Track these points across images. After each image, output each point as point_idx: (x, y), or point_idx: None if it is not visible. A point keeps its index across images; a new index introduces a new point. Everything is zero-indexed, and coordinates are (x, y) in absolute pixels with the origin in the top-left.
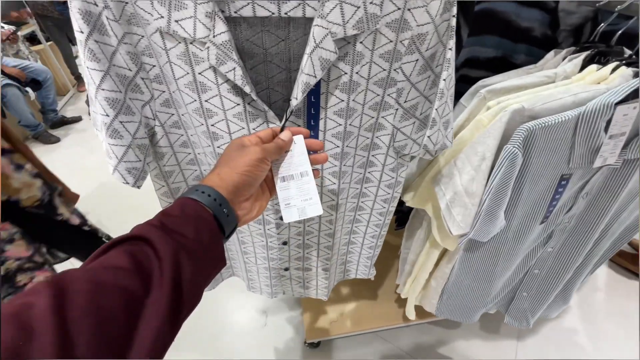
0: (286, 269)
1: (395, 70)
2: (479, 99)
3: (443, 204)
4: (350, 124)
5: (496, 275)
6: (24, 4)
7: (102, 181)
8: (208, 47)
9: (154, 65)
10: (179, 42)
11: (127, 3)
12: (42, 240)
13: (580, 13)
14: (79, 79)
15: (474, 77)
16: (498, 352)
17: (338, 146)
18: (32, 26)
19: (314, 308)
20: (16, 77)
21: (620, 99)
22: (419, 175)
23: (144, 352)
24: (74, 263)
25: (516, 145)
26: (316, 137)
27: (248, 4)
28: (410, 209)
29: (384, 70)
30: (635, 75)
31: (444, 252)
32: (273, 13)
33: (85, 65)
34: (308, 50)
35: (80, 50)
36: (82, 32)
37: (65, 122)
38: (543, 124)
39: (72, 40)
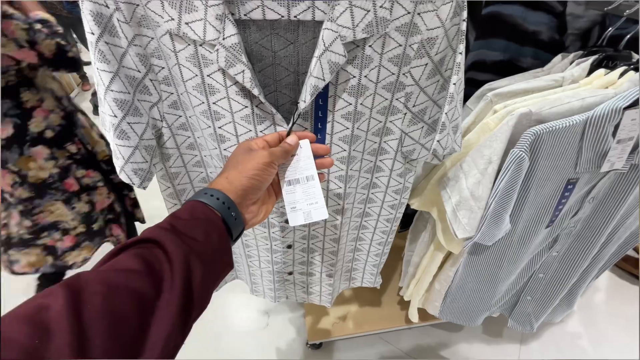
0: (290, 273)
1: (404, 74)
2: (485, 102)
3: (449, 207)
4: (357, 128)
5: (500, 278)
6: None
7: None
8: (217, 50)
9: (163, 67)
10: (189, 44)
11: (138, 5)
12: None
13: (588, 17)
14: (83, 77)
15: (480, 80)
16: (501, 355)
17: (345, 150)
18: None
19: (316, 309)
20: None
21: (628, 103)
22: (424, 178)
23: (156, 353)
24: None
25: (523, 149)
26: (323, 140)
27: (258, 7)
28: (415, 211)
29: (393, 74)
30: None
31: (448, 255)
32: (283, 16)
33: (95, 66)
34: (317, 53)
35: (91, 52)
36: (93, 33)
37: None
38: (550, 128)
39: (78, 39)
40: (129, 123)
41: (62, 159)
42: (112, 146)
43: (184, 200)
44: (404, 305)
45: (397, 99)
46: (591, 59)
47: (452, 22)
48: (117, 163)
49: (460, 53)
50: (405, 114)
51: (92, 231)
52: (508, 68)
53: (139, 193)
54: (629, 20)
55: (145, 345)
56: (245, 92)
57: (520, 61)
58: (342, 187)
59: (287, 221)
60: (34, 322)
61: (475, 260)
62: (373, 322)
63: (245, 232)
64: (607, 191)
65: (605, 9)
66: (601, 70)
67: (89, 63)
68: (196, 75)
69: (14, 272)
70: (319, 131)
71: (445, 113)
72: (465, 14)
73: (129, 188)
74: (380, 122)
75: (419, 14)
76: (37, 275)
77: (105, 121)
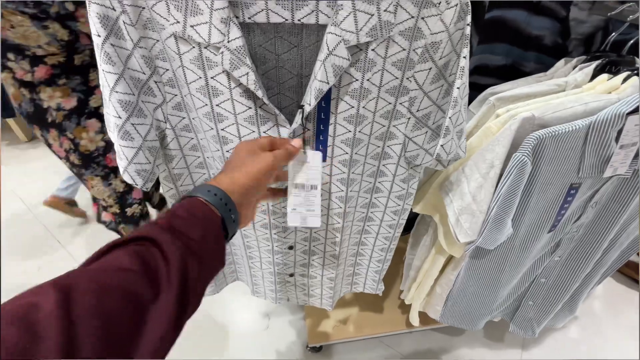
0: (291, 275)
1: (407, 78)
2: (488, 107)
3: (450, 211)
4: (360, 131)
5: (502, 283)
6: None
7: None
8: (222, 52)
9: (167, 69)
10: (193, 47)
11: (144, 8)
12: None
13: (591, 22)
14: None
15: (483, 84)
16: None
17: (347, 153)
18: None
19: (316, 312)
20: None
21: (631, 109)
22: (426, 182)
23: (149, 353)
24: None
25: (525, 154)
26: (325, 142)
27: (262, 10)
28: (416, 214)
29: (397, 78)
30: None
31: (450, 258)
32: (286, 20)
33: (101, 68)
34: (321, 57)
35: (97, 53)
36: (99, 35)
37: None
38: (553, 133)
39: None
40: (133, 124)
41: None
42: (116, 147)
43: None
44: (405, 309)
45: (400, 104)
46: (594, 64)
47: (456, 27)
48: (121, 164)
49: (464, 57)
50: (409, 118)
51: (125, 214)
52: (511, 72)
53: None
54: (632, 25)
55: (139, 345)
56: (249, 94)
57: (523, 65)
58: (344, 190)
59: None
60: (23, 323)
61: (476, 264)
62: (374, 325)
63: (247, 233)
64: (610, 197)
65: (609, 14)
66: (604, 76)
67: None
68: (200, 77)
69: None
70: (321, 133)
71: (449, 117)
72: (469, 19)
73: None
74: (384, 126)
75: (422, 18)
76: None
77: (110, 122)
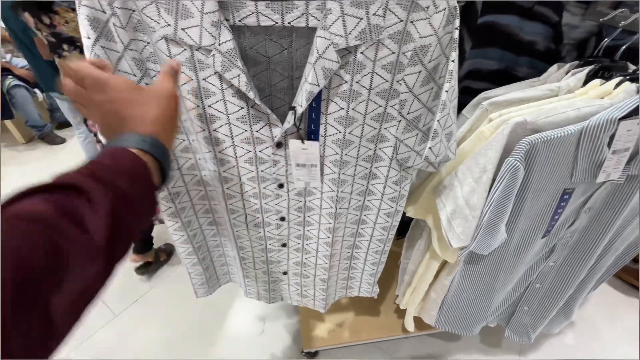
0: (284, 273)
1: (397, 81)
2: (481, 111)
3: (443, 216)
4: (349, 133)
5: (497, 288)
6: None
7: None
8: (214, 55)
9: (158, 72)
10: (185, 49)
11: (134, 11)
12: None
13: (584, 27)
14: None
15: (476, 88)
16: None
17: (337, 153)
18: None
19: (312, 317)
20: (25, 78)
21: (624, 114)
22: (419, 186)
23: (75, 295)
24: None
25: (518, 159)
26: (316, 141)
27: (252, 13)
28: (410, 218)
29: (387, 81)
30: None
31: (444, 263)
32: (277, 23)
33: None
34: (311, 60)
35: (87, 55)
36: (89, 37)
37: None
38: (545, 138)
39: None
40: None
41: None
42: None
43: (184, 219)
44: (401, 314)
45: (391, 106)
46: (587, 69)
47: (445, 30)
48: None
49: (453, 61)
50: (399, 121)
51: None
52: (504, 77)
53: None
54: (624, 31)
55: (61, 290)
56: (241, 94)
57: (516, 70)
58: (334, 190)
59: (282, 218)
60: None
61: (471, 270)
62: (370, 330)
63: (239, 234)
64: (604, 202)
65: (602, 20)
66: (597, 81)
67: None
68: (191, 79)
69: None
70: (312, 132)
71: (438, 120)
72: (457, 22)
73: None
74: (375, 128)
75: (412, 22)
76: None
77: None
